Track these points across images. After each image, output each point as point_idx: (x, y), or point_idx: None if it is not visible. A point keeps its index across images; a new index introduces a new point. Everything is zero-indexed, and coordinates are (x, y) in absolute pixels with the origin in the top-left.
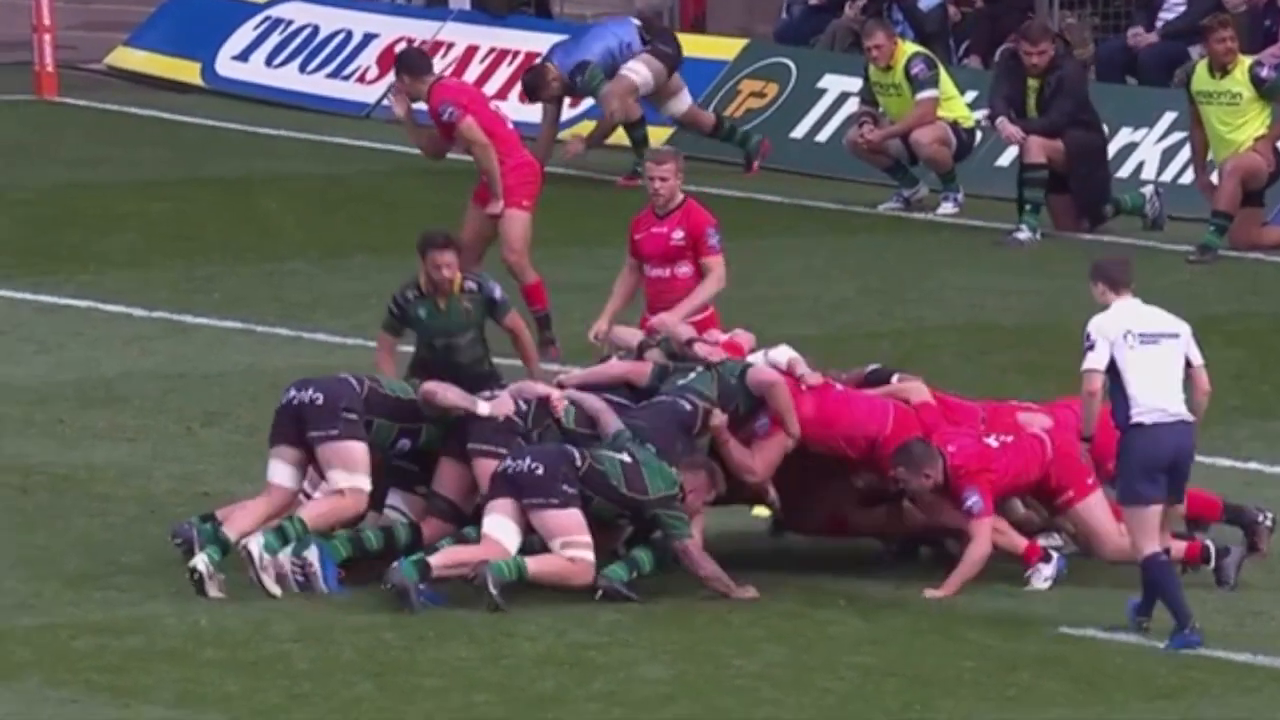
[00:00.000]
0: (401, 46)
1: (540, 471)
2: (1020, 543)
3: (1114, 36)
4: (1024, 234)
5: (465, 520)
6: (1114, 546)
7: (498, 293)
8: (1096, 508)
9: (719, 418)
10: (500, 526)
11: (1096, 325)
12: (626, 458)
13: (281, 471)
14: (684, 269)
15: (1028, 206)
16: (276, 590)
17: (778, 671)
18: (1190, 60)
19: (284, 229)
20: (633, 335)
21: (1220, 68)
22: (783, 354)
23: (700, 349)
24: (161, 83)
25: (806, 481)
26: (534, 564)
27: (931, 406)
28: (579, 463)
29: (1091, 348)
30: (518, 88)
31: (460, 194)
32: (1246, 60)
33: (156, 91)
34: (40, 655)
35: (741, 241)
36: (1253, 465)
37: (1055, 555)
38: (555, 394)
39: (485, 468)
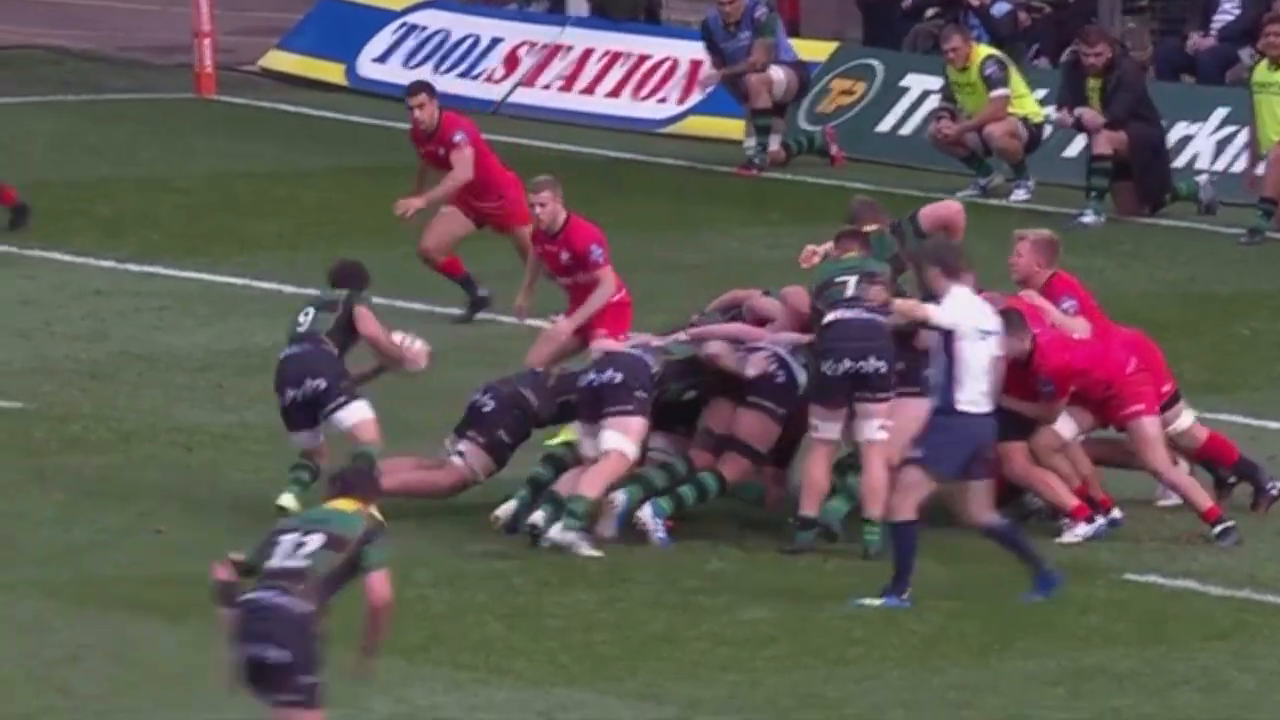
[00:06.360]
0: (525, 49)
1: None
2: (1070, 501)
3: (1172, 39)
4: (1089, 218)
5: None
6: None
7: None
8: (1149, 426)
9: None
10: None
11: None
12: None
13: (588, 444)
14: (581, 277)
15: (1093, 193)
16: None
17: (868, 614)
18: (1241, 61)
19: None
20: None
21: (1275, 60)
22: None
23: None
24: (309, 82)
25: None
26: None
27: None
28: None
29: None
30: (630, 86)
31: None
32: None
33: (305, 90)
34: (203, 596)
35: (833, 225)
36: None
37: (1100, 520)
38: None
39: (749, 419)
